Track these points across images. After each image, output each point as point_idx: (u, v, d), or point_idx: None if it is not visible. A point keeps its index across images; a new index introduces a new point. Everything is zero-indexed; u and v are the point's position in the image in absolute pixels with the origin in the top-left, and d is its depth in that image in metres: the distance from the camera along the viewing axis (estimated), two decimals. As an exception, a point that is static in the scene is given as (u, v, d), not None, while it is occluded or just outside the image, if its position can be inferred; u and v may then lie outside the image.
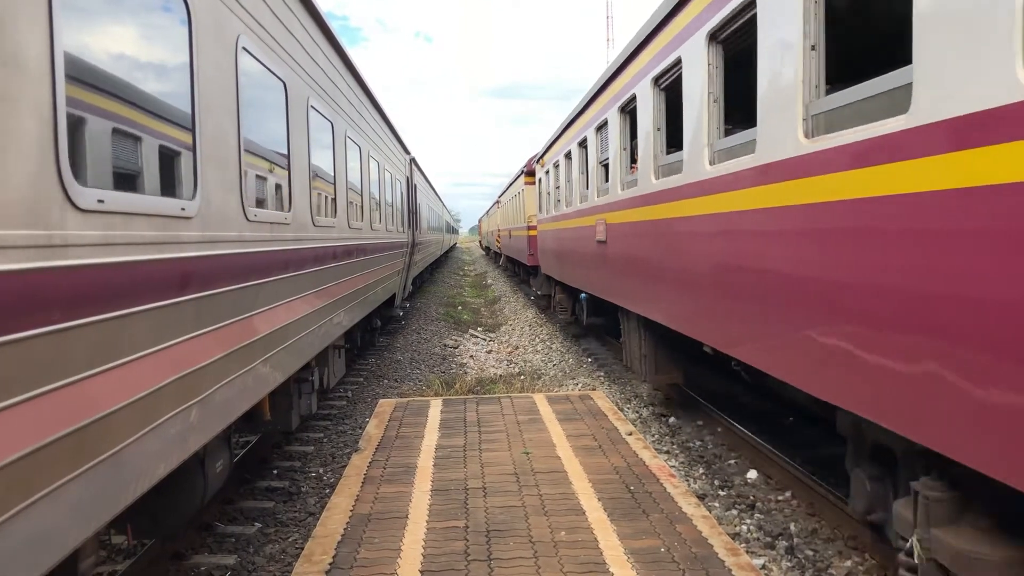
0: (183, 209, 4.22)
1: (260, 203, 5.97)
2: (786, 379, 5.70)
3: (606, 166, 12.15)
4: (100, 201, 3.26)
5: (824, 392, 5.08)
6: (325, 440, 10.22)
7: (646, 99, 9.23)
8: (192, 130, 4.47)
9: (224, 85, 5.07)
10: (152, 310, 3.80)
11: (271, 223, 6.12)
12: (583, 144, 14.01)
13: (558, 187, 17.07)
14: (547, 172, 19.10)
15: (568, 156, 15.37)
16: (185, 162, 4.42)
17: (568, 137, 15.34)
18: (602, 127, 12.17)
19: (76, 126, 3.18)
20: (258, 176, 6.00)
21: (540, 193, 21.19)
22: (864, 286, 4.44)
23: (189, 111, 4.45)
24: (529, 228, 24.64)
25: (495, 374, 14.70)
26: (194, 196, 4.42)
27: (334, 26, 9.23)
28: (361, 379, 14.21)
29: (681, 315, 8.22)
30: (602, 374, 14.22)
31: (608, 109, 11.50)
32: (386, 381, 14.32)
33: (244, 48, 5.46)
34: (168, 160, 4.23)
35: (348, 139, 10.28)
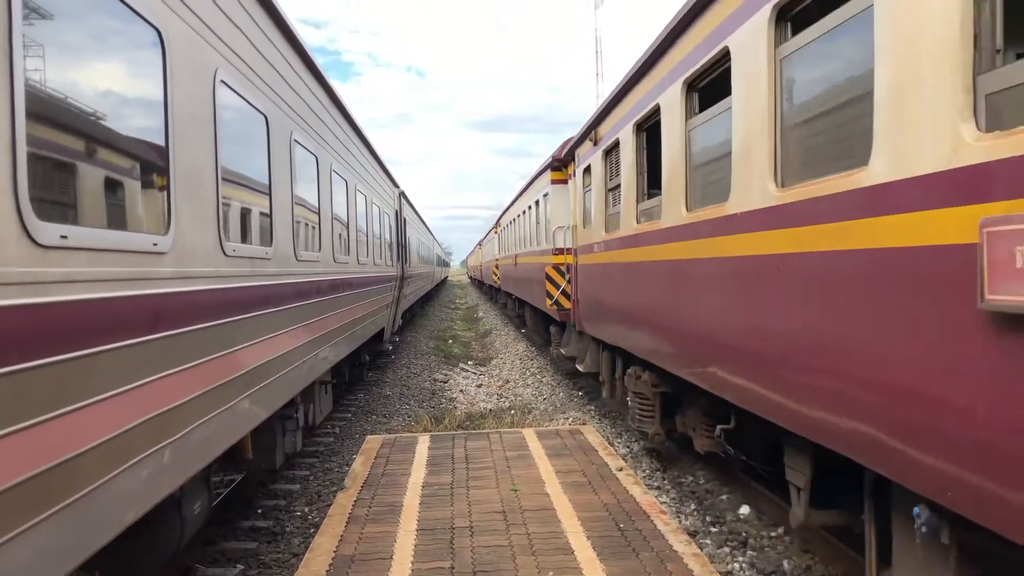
0: (155, 244, 4.11)
1: (239, 238, 5.87)
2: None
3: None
4: (63, 237, 3.16)
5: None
6: (311, 478, 10.04)
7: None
8: (166, 164, 4.38)
9: (201, 118, 4.99)
10: (120, 349, 3.68)
11: (251, 258, 6.01)
12: None
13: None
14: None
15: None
16: (158, 197, 4.32)
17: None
18: None
19: (38, 160, 3.09)
20: (237, 211, 5.91)
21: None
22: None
23: (163, 145, 4.36)
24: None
25: (485, 409, 14.56)
26: (167, 231, 4.32)
27: (319, 60, 9.20)
28: (349, 415, 14.03)
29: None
30: (593, 408, 14.07)
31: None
32: (374, 417, 14.15)
33: (223, 81, 5.39)
34: (139, 194, 4.13)
35: (334, 173, 10.21)
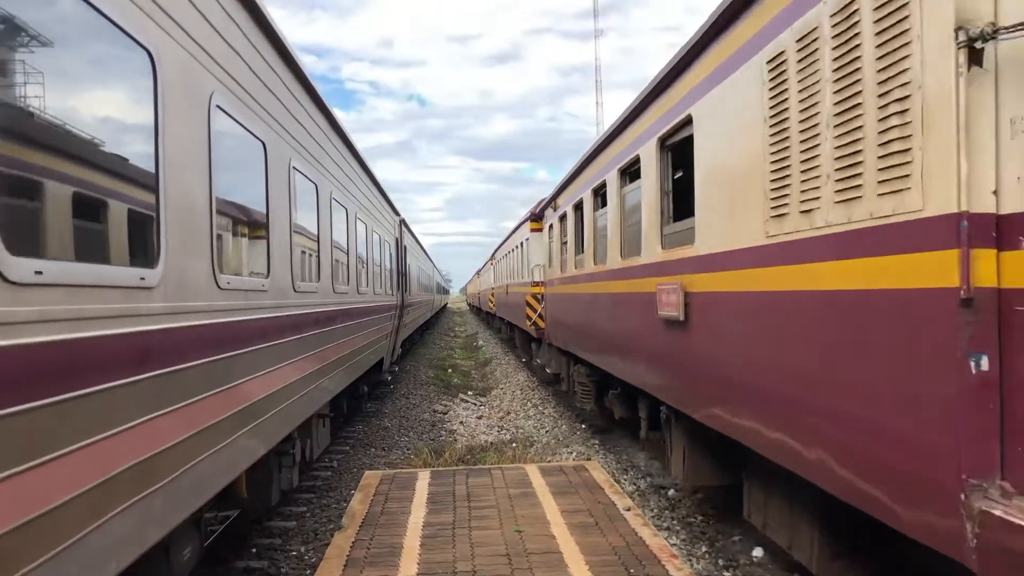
0: (143, 279, 3.86)
1: (234, 270, 5.62)
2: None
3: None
4: (38, 273, 2.91)
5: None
6: (308, 515, 9.73)
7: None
8: (156, 193, 4.13)
9: (195, 145, 4.76)
10: (103, 391, 3.42)
11: (246, 291, 5.76)
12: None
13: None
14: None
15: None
16: (146, 228, 4.07)
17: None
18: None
19: (10, 189, 2.85)
20: (232, 242, 5.67)
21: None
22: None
23: (152, 172, 4.12)
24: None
25: (486, 441, 14.25)
26: (156, 265, 4.07)
27: (321, 88, 9.01)
28: (347, 448, 13.72)
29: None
30: (597, 442, 13.75)
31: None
32: (373, 450, 13.84)
33: (218, 106, 5.16)
34: (126, 225, 3.89)
35: (334, 201, 9.99)
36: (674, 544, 8.04)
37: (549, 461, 11.65)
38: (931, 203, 3.96)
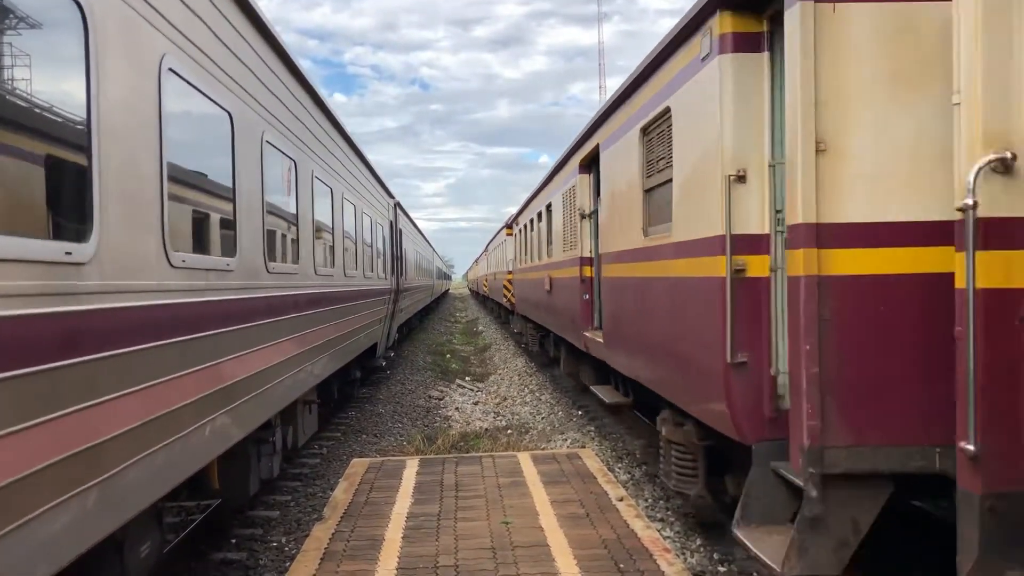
0: (69, 254, 3.48)
1: (192, 248, 5.24)
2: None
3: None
4: None
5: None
6: (292, 504, 9.41)
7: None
8: (87, 162, 3.74)
9: (140, 110, 4.37)
10: (16, 378, 3.06)
11: (207, 270, 5.39)
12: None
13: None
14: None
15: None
16: (74, 200, 3.68)
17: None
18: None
19: None
20: (190, 218, 5.30)
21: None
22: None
23: (84, 133, 3.71)
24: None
25: (481, 428, 13.93)
26: (88, 238, 3.69)
27: (302, 63, 8.63)
28: (338, 434, 13.39)
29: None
30: (593, 428, 13.42)
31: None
32: (365, 436, 13.52)
33: (171, 69, 4.77)
34: (44, 195, 3.51)
35: (316, 180, 9.59)
36: (667, 536, 7.69)
37: (543, 449, 11.32)
38: (578, 252, 12.94)
